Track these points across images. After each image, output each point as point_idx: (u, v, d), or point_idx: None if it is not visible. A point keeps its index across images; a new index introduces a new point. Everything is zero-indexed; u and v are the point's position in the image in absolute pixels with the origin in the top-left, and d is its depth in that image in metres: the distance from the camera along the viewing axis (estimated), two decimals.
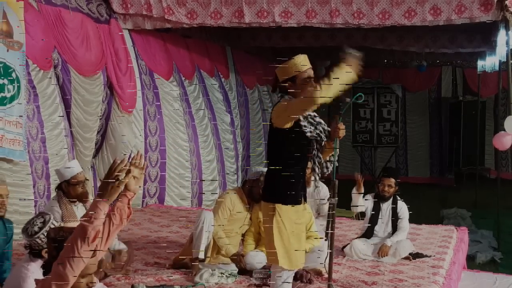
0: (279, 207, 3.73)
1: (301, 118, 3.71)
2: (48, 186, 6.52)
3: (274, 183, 3.80)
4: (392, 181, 5.61)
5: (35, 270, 3.31)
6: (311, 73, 3.72)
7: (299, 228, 3.86)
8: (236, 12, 7.52)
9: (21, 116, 6.04)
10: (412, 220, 5.77)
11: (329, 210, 3.93)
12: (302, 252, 3.89)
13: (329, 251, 3.94)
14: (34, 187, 6.32)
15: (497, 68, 11.50)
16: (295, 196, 3.79)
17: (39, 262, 3.35)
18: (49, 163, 6.57)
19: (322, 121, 3.89)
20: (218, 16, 7.58)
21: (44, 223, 3.58)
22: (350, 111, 15.20)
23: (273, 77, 3.87)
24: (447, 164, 16.06)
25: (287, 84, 3.69)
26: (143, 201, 8.61)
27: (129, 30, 8.20)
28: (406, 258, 5.45)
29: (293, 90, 3.65)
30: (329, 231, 3.87)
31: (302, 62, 3.70)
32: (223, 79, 11.13)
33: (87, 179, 4.86)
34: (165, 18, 7.72)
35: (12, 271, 3.74)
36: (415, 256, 5.52)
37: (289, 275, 3.87)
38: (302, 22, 7.53)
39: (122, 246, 4.90)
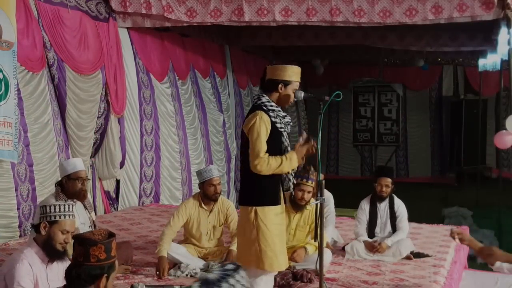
0: (261, 209, 3.62)
1: (272, 114, 3.64)
2: (33, 189, 6.41)
3: (252, 186, 3.67)
4: (389, 180, 5.53)
5: (29, 254, 3.29)
6: (297, 86, 3.76)
7: (281, 229, 3.78)
8: (236, 10, 7.49)
9: (9, 116, 5.85)
10: (413, 219, 5.72)
11: (316, 211, 3.84)
12: (286, 253, 3.82)
13: (319, 254, 3.85)
14: (16, 190, 6.20)
15: (498, 66, 11.47)
16: (275, 196, 3.71)
17: (36, 248, 3.32)
18: (34, 166, 6.44)
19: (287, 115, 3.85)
20: (218, 14, 7.55)
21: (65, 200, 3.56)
22: (351, 110, 15.17)
23: (262, 73, 3.83)
24: (448, 163, 16.02)
25: (279, 85, 3.67)
26: (139, 200, 8.59)
27: (128, 28, 8.18)
28: (408, 257, 5.41)
29: (279, 93, 3.68)
30: (319, 232, 3.78)
31: (299, 74, 3.76)
32: (218, 79, 11.07)
33: (89, 179, 4.81)
34: (165, 17, 7.69)
35: (11, 256, 3.70)
36: (416, 255, 5.48)
37: (271, 277, 3.81)
38: (302, 20, 7.49)
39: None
